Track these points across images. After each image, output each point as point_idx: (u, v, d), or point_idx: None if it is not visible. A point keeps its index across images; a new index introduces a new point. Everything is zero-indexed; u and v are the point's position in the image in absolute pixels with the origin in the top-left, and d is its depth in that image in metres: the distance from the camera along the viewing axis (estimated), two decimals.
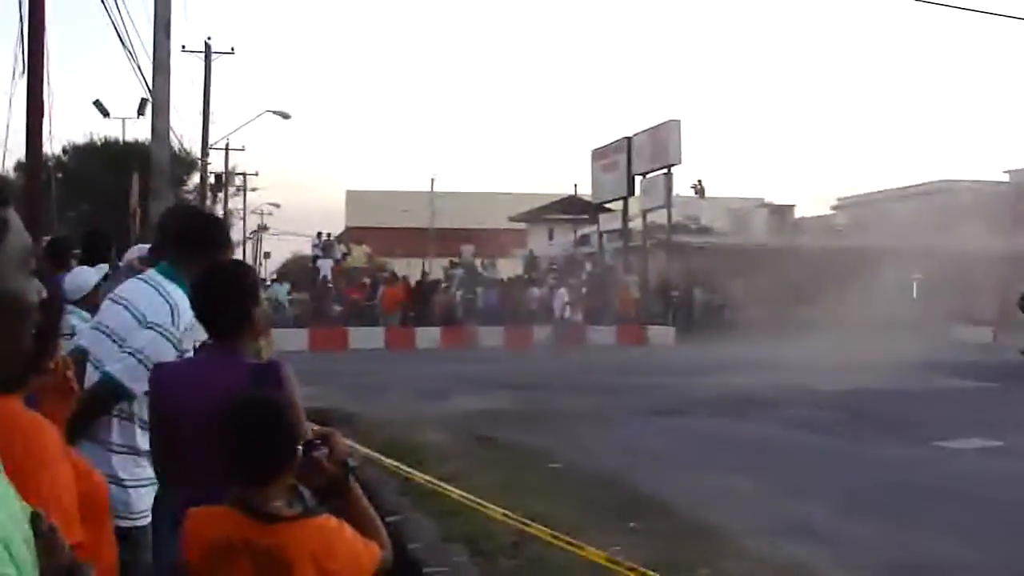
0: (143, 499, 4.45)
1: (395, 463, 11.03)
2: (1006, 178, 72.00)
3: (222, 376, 3.66)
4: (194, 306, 3.97)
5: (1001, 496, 10.99)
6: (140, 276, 4.71)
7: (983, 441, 14.53)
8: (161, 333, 4.41)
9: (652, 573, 6.73)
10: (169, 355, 4.40)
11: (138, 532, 4.27)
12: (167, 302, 4.47)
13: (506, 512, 8.47)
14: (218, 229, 4.94)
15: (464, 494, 9.41)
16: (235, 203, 72.01)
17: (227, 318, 3.84)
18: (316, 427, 3.59)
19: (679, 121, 46.61)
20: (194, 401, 3.69)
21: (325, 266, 42.52)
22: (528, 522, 8.08)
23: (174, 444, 3.89)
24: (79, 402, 4.08)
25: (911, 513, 10.08)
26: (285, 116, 46.54)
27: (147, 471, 4.47)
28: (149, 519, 4.45)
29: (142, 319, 4.39)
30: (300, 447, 3.25)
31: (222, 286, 3.89)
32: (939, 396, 20.38)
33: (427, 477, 10.47)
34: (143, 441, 4.45)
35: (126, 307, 4.50)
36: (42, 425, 2.79)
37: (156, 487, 4.54)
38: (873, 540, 9.03)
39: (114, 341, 4.49)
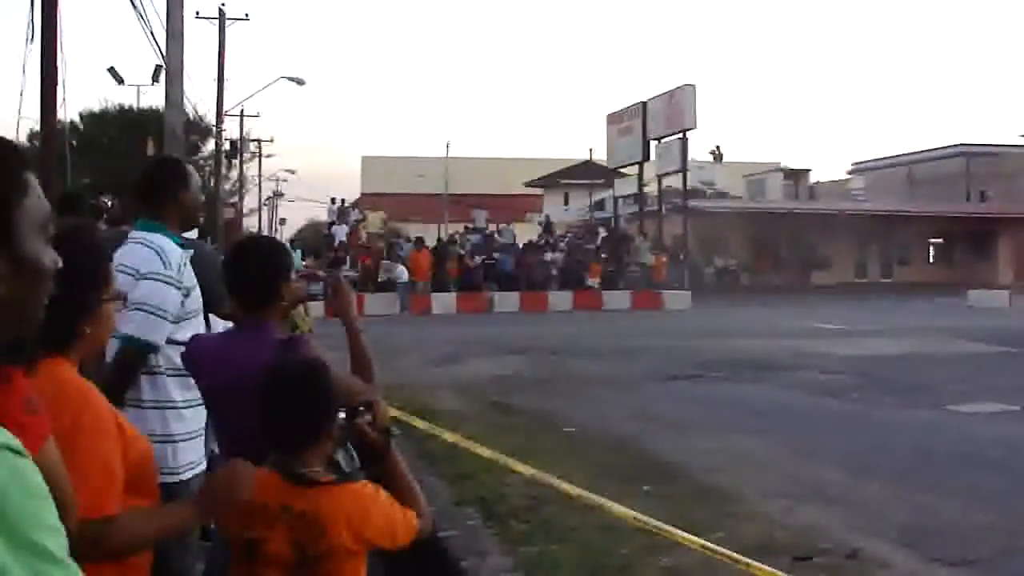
0: (183, 453, 4.44)
1: (425, 423, 11.01)
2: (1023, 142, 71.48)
3: (251, 350, 3.67)
4: (225, 281, 3.99)
5: (1016, 460, 10.96)
6: (127, 239, 4.72)
7: (999, 405, 14.48)
8: (157, 279, 4.41)
9: (673, 529, 6.73)
10: (173, 297, 4.43)
11: (181, 486, 4.25)
12: (152, 249, 4.48)
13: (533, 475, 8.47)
14: (170, 169, 4.95)
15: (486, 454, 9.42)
16: (250, 169, 72.10)
17: (255, 293, 3.85)
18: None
19: (694, 86, 46.54)
20: (223, 376, 3.74)
21: (340, 232, 42.50)
22: (552, 483, 8.09)
23: (216, 418, 4.02)
24: (108, 373, 4.09)
25: (925, 476, 10.06)
26: (300, 82, 46.43)
27: (187, 424, 4.48)
28: (195, 472, 4.47)
29: (136, 273, 4.39)
30: (343, 413, 3.27)
31: (250, 261, 3.91)
32: (955, 360, 20.31)
33: (450, 437, 10.48)
34: (177, 391, 4.45)
35: (121, 271, 4.51)
36: (91, 392, 2.80)
37: (200, 439, 4.57)
38: (887, 503, 9.02)
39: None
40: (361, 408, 3.36)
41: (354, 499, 3.12)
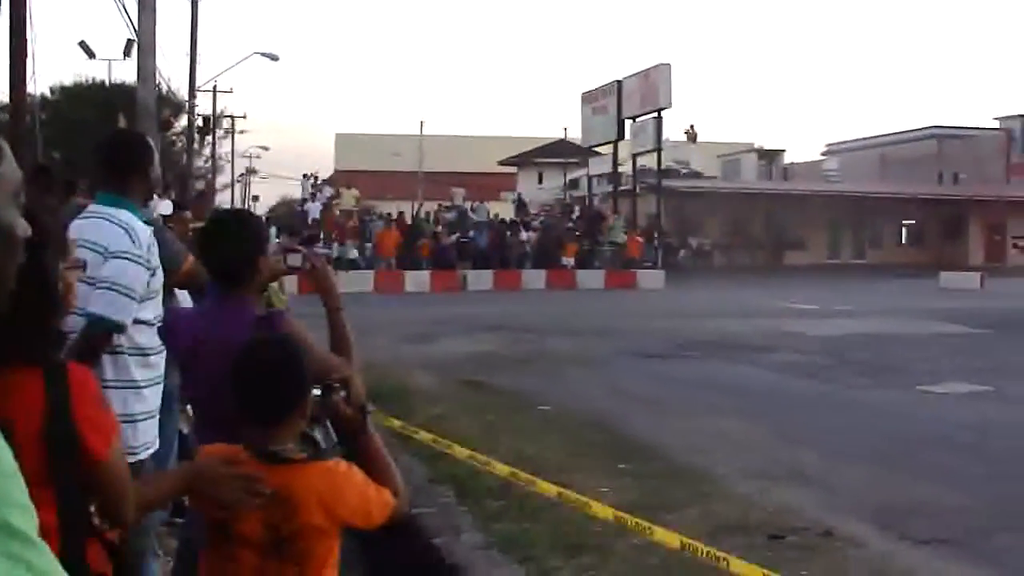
0: (143, 433, 4.45)
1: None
2: (996, 125, 71.91)
3: (228, 326, 3.64)
4: (201, 256, 3.95)
5: (989, 440, 11.01)
6: (85, 213, 4.64)
7: (972, 386, 14.55)
8: (127, 258, 4.36)
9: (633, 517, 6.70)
10: (141, 277, 4.39)
11: (138, 466, 4.22)
12: (120, 227, 4.41)
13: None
14: (136, 145, 4.88)
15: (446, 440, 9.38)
16: (223, 146, 71.66)
17: (232, 268, 3.81)
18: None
19: (669, 65, 46.46)
20: (202, 351, 3.73)
21: (314, 209, 42.36)
22: (492, 462, 8.06)
23: (192, 394, 4.03)
24: (74, 352, 4.03)
25: (898, 457, 10.08)
26: (274, 58, 46.21)
27: (147, 403, 4.48)
28: (151, 452, 4.50)
29: (105, 251, 4.33)
30: (318, 390, 3.23)
31: (227, 235, 3.88)
32: (928, 342, 20.40)
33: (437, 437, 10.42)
34: (138, 371, 4.45)
35: (83, 246, 4.44)
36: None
37: (154, 420, 4.54)
38: (862, 484, 9.03)
39: (85, 283, 4.43)
40: (336, 385, 3.32)
41: (326, 477, 3.07)
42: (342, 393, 3.30)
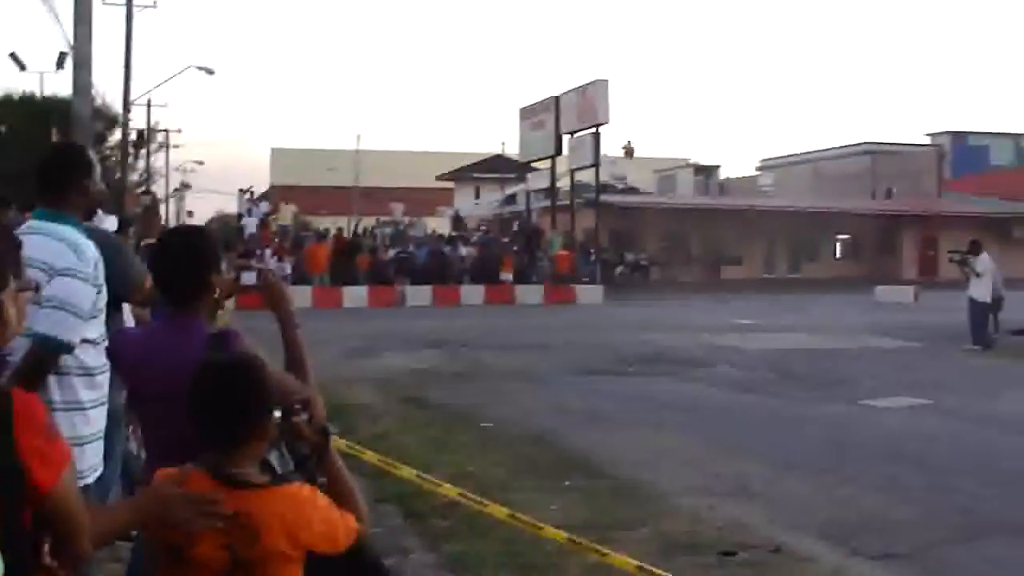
0: (88, 456, 4.31)
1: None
2: (927, 141, 73.02)
3: (179, 347, 3.50)
4: (152, 274, 3.80)
5: (933, 453, 11.05)
6: (24, 229, 4.45)
7: (912, 399, 14.63)
8: (73, 276, 4.21)
9: (562, 532, 6.60)
10: (88, 295, 4.25)
11: (84, 489, 4.07)
12: (64, 243, 4.26)
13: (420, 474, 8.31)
14: (75, 157, 4.70)
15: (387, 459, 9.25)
16: (157, 160, 70.87)
17: (184, 286, 3.67)
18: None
19: (607, 81, 46.63)
20: (151, 372, 3.57)
21: (251, 224, 42.00)
22: (439, 483, 7.94)
23: (141, 416, 3.84)
24: (20, 374, 3.87)
25: (844, 471, 10.09)
26: (209, 72, 45.87)
27: (93, 425, 4.35)
28: (96, 475, 4.37)
29: (49, 269, 4.17)
30: (278, 412, 3.10)
31: (178, 253, 3.72)
32: (865, 355, 20.57)
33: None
34: (84, 392, 4.31)
35: (28, 264, 4.27)
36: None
37: (100, 442, 4.38)
38: (808, 498, 9.02)
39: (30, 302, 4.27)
40: (297, 407, 3.19)
41: (291, 502, 2.93)
42: (304, 415, 3.18)
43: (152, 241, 6.37)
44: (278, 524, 2.87)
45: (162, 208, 72.78)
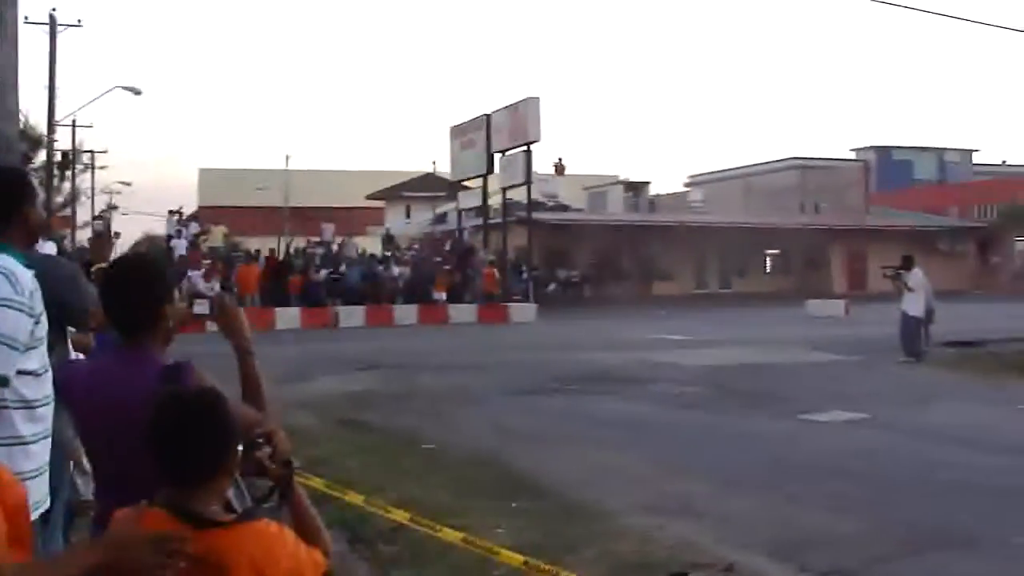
0: (32, 493, 4.11)
1: None
2: (852, 156, 74.02)
3: (131, 378, 3.36)
4: (103, 305, 3.66)
5: (874, 467, 11.13)
6: None
7: (850, 414, 14.72)
8: (8, 306, 4.04)
9: (516, 555, 6.52)
10: (24, 325, 4.05)
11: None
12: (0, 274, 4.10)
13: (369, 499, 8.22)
14: (15, 182, 4.49)
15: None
16: (83, 182, 69.86)
17: (135, 317, 3.53)
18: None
19: (538, 98, 46.62)
20: (101, 405, 3.41)
21: (180, 246, 41.48)
22: (388, 508, 7.84)
23: (90, 450, 3.68)
24: None
25: (788, 487, 10.11)
26: (136, 92, 45.33)
27: (35, 460, 4.15)
28: (40, 512, 4.17)
29: None
30: (240, 447, 2.96)
31: (129, 283, 3.58)
32: (802, 370, 20.69)
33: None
34: (25, 426, 4.11)
35: None
36: None
37: (44, 476, 4.21)
38: (754, 515, 9.01)
39: None
40: (260, 440, 3.07)
41: (258, 540, 2.81)
42: (266, 449, 3.06)
43: (104, 266, 6.20)
44: (247, 563, 2.75)
45: (88, 230, 71.98)
